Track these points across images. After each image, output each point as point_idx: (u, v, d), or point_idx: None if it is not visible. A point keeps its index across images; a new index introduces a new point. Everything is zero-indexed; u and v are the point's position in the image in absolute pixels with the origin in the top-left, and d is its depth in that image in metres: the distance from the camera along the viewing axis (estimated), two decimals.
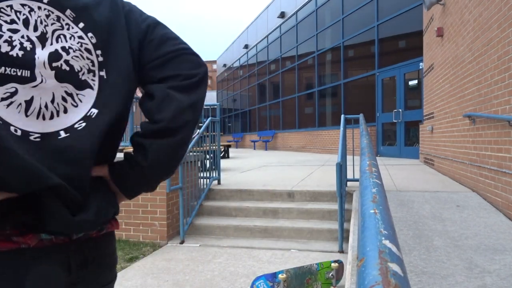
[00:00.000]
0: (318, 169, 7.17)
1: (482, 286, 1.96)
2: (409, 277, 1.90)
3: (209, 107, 5.67)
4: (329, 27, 12.51)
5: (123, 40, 0.77)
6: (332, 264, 2.75)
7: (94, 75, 0.74)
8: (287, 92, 15.83)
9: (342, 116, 4.92)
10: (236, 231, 4.31)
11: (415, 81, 8.79)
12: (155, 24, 0.82)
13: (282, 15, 15.86)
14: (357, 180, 4.69)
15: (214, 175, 5.36)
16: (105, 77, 0.75)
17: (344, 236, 3.75)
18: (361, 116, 4.45)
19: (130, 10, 0.81)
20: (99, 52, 0.75)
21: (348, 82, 11.55)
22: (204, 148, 5.35)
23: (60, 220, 0.64)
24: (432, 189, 4.57)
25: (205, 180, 5.21)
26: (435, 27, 6.31)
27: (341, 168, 3.62)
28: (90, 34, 0.74)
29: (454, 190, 4.50)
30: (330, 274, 2.75)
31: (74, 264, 0.70)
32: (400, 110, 8.95)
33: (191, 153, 4.80)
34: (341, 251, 3.67)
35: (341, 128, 4.56)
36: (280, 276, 2.62)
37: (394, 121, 9.13)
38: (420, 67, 8.33)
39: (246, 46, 20.99)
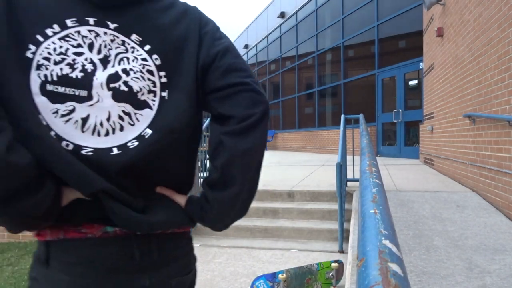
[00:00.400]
0: (318, 169, 7.17)
1: (482, 286, 1.96)
2: (409, 277, 1.90)
3: None
4: (329, 27, 12.51)
5: (191, 63, 0.78)
6: (332, 264, 2.75)
7: (154, 96, 0.76)
8: (287, 92, 15.83)
9: (342, 116, 4.92)
10: (236, 231, 4.31)
11: (415, 81, 8.79)
12: (225, 51, 0.80)
13: (282, 15, 15.86)
14: (357, 180, 4.69)
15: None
16: (166, 98, 0.77)
17: (344, 236, 3.75)
18: (361, 116, 4.46)
19: (206, 32, 0.82)
20: (162, 73, 0.77)
21: (348, 82, 11.55)
22: (204, 148, 5.35)
23: (119, 217, 0.71)
24: (432, 189, 4.57)
25: None
26: (435, 27, 6.31)
27: (341, 168, 3.62)
28: (155, 56, 0.77)
29: (454, 190, 4.50)
30: (330, 274, 2.75)
31: (137, 254, 0.75)
32: (400, 110, 8.95)
33: None
34: (341, 251, 3.67)
35: (341, 128, 4.56)
36: (280, 276, 2.62)
37: (394, 121, 9.13)
38: (420, 67, 8.33)
39: (246, 46, 20.99)
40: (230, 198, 0.78)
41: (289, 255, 3.65)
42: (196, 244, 4.15)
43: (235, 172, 0.76)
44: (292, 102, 15.31)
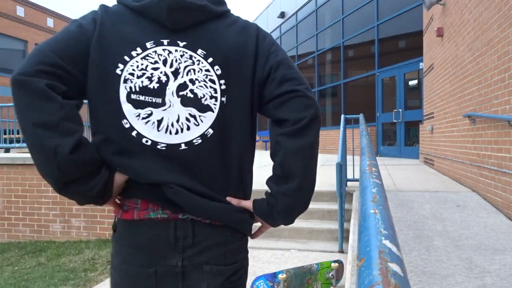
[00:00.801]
0: (318, 169, 7.18)
1: (482, 286, 1.96)
2: (409, 277, 1.90)
3: None
4: (329, 27, 12.51)
5: (247, 73, 0.93)
6: (332, 264, 2.75)
7: (216, 100, 0.91)
8: None
9: (342, 116, 4.92)
10: None
11: (415, 81, 8.79)
12: (279, 64, 0.93)
13: (282, 15, 15.86)
14: (357, 180, 4.69)
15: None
16: (225, 102, 0.92)
17: (344, 236, 3.75)
18: (361, 116, 4.46)
19: (262, 47, 0.96)
20: (222, 81, 0.91)
21: (348, 82, 11.55)
22: None
23: (184, 201, 0.87)
24: (432, 189, 4.57)
25: None
26: (435, 27, 6.31)
27: (341, 168, 3.62)
28: (216, 67, 0.91)
29: (454, 190, 4.50)
30: (330, 274, 2.75)
31: (172, 238, 0.89)
32: (400, 110, 8.95)
33: None
34: (341, 251, 3.67)
35: (341, 128, 4.56)
36: (280, 276, 2.62)
37: (394, 121, 9.13)
38: (420, 67, 8.33)
39: None
40: (293, 190, 0.90)
41: (289, 255, 3.65)
42: None
43: (293, 167, 0.90)
44: None
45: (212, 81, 0.91)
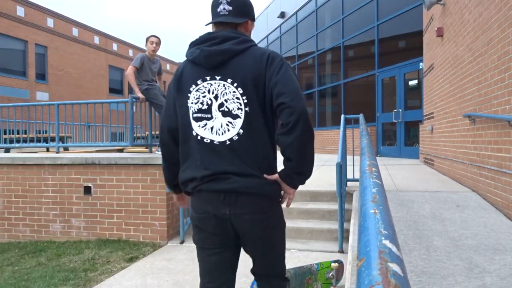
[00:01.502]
0: (318, 169, 7.17)
1: (482, 286, 1.96)
2: (409, 277, 1.90)
3: None
4: (329, 27, 12.51)
5: (260, 90, 1.44)
6: (332, 264, 2.75)
7: (241, 111, 1.44)
8: None
9: (342, 116, 4.92)
10: None
11: (415, 81, 8.79)
12: (276, 83, 1.41)
13: (282, 15, 15.85)
14: (357, 180, 4.69)
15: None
16: (248, 111, 1.44)
17: (344, 236, 3.75)
18: (361, 116, 4.45)
19: (269, 70, 1.44)
20: (244, 98, 1.44)
21: (348, 82, 11.55)
22: None
23: (230, 181, 1.42)
24: (432, 189, 4.57)
25: None
26: (435, 27, 6.31)
27: (341, 168, 3.62)
28: (239, 89, 1.44)
29: (454, 190, 4.50)
30: (330, 274, 2.75)
31: (222, 198, 1.43)
32: (400, 110, 8.95)
33: None
34: (341, 251, 3.67)
35: (341, 128, 4.56)
36: None
37: (394, 121, 9.13)
38: (420, 67, 8.33)
39: None
40: (293, 165, 1.45)
41: (289, 255, 3.65)
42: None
43: (289, 155, 1.43)
44: None
45: (238, 98, 1.45)
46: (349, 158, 5.22)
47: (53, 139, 6.02)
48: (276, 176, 1.48)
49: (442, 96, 5.94)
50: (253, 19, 1.59)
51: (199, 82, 1.48)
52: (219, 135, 1.45)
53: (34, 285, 3.32)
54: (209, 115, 1.46)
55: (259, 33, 18.94)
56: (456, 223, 3.15)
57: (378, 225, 0.65)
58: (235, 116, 1.44)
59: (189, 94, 1.49)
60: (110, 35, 22.89)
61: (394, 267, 0.49)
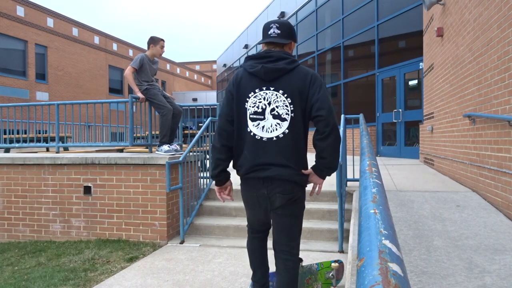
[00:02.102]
0: None
1: (482, 286, 1.96)
2: (409, 277, 1.90)
3: (209, 107, 5.66)
4: (329, 27, 12.51)
5: (303, 101, 1.92)
6: (332, 264, 2.74)
7: (288, 116, 1.92)
8: None
9: (342, 116, 4.92)
10: (236, 231, 4.31)
11: (415, 81, 8.79)
12: (317, 100, 1.89)
13: (282, 15, 15.85)
14: (357, 180, 4.69)
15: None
16: (293, 116, 1.92)
17: (344, 236, 3.74)
18: (361, 116, 4.45)
19: (311, 88, 1.93)
20: (291, 106, 1.92)
21: (348, 82, 11.55)
22: (204, 148, 5.35)
23: (270, 171, 1.94)
24: (432, 189, 4.57)
25: (205, 180, 5.21)
26: (435, 27, 6.31)
27: (341, 168, 3.62)
28: (288, 99, 1.92)
29: (454, 190, 4.50)
30: (330, 274, 2.75)
31: (262, 182, 1.96)
32: (400, 110, 8.95)
33: (191, 153, 4.80)
34: (341, 251, 3.67)
35: (341, 128, 4.55)
36: None
37: (394, 121, 9.13)
38: (420, 67, 8.33)
39: (246, 46, 20.98)
40: (326, 162, 1.95)
41: None
42: (196, 244, 4.15)
43: (324, 154, 1.93)
44: None
45: (286, 106, 1.93)
46: (349, 158, 5.22)
47: (53, 139, 6.02)
48: (309, 170, 2.03)
49: (442, 96, 5.94)
50: (295, 41, 2.09)
51: (257, 90, 1.97)
52: (268, 132, 1.94)
53: (34, 285, 3.32)
54: (262, 117, 1.95)
55: (259, 33, 18.94)
56: (456, 223, 3.14)
57: (378, 225, 0.65)
58: (283, 120, 1.94)
59: (248, 99, 1.98)
60: (110, 35, 22.89)
61: (394, 267, 0.49)
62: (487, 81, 3.90)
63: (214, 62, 32.81)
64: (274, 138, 1.92)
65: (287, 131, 1.91)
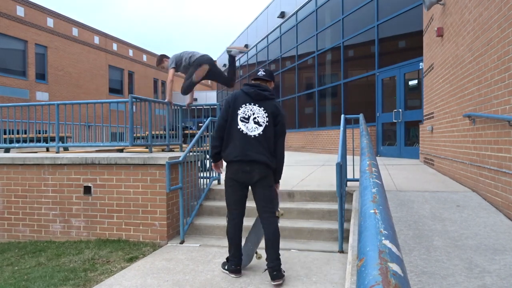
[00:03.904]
0: (318, 169, 7.17)
1: (482, 286, 1.96)
2: (409, 277, 1.90)
3: (209, 107, 5.65)
4: (329, 27, 12.51)
5: (272, 118, 3.06)
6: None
7: (264, 123, 3.04)
8: (287, 92, 15.83)
9: (342, 116, 4.92)
10: None
11: (415, 81, 8.79)
12: (281, 118, 3.10)
13: (282, 15, 15.85)
14: (357, 180, 4.69)
15: (214, 175, 5.36)
16: (267, 124, 3.04)
17: (344, 236, 3.74)
18: (361, 116, 4.45)
19: (279, 114, 3.10)
20: (267, 118, 3.05)
21: (348, 82, 11.55)
22: (204, 148, 5.35)
23: (253, 157, 3.00)
24: (432, 189, 4.57)
25: (205, 180, 5.21)
26: (435, 27, 6.31)
27: (341, 168, 3.62)
28: (266, 114, 3.06)
29: (454, 190, 4.50)
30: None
31: (246, 164, 3.00)
32: (400, 110, 8.95)
33: (191, 153, 4.80)
34: (341, 251, 3.67)
35: (341, 128, 4.56)
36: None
37: (394, 121, 9.13)
38: (420, 67, 8.33)
39: (246, 46, 20.97)
40: (278, 162, 3.16)
41: (289, 255, 3.65)
42: (196, 244, 4.15)
43: (278, 153, 3.15)
44: (292, 102, 15.31)
45: (264, 117, 3.04)
46: (349, 158, 5.22)
47: (53, 139, 6.01)
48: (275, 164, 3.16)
49: (442, 96, 5.94)
50: (274, 81, 3.35)
51: (247, 104, 3.07)
52: (250, 131, 3.00)
53: (34, 285, 3.32)
54: (247, 121, 3.02)
55: (259, 33, 18.95)
56: (456, 223, 3.14)
57: (378, 225, 0.65)
58: (260, 125, 3.02)
59: (240, 108, 3.06)
60: (110, 35, 22.89)
61: (394, 267, 0.48)
62: (487, 81, 3.90)
63: (214, 62, 32.79)
64: (253, 136, 2.99)
65: (262, 132, 3.00)
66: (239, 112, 3.03)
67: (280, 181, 3.24)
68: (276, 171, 3.10)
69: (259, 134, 2.98)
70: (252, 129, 2.98)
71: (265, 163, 2.97)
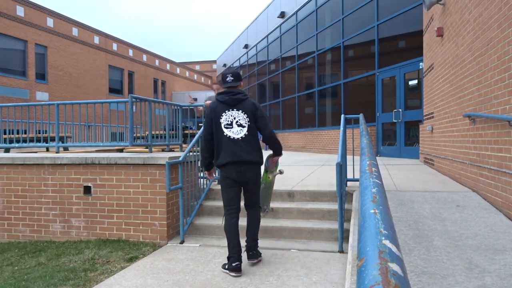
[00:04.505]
0: (318, 169, 7.17)
1: (482, 286, 1.96)
2: (409, 277, 1.90)
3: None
4: (329, 27, 12.51)
5: (253, 116, 3.34)
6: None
7: (246, 124, 3.32)
8: (287, 92, 15.83)
9: (342, 116, 4.92)
10: None
11: (415, 81, 8.79)
12: (259, 112, 3.37)
13: (282, 15, 15.85)
14: (357, 180, 4.69)
15: (214, 175, 5.35)
16: (250, 124, 3.32)
17: (344, 236, 3.74)
18: (361, 116, 4.45)
19: (257, 109, 3.38)
20: (248, 119, 3.32)
21: (348, 82, 11.55)
22: None
23: (242, 158, 3.29)
24: (432, 189, 4.57)
25: (205, 180, 5.21)
26: (435, 27, 6.31)
27: (341, 168, 3.62)
28: (245, 115, 3.33)
29: (454, 190, 4.50)
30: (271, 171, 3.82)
31: (241, 164, 3.28)
32: (400, 110, 8.95)
33: (191, 153, 4.80)
34: (341, 251, 3.67)
35: (341, 128, 4.55)
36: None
37: (394, 121, 9.13)
38: (420, 67, 8.33)
39: (246, 46, 20.99)
40: (274, 148, 3.55)
41: (289, 255, 3.65)
42: (196, 244, 4.15)
43: (272, 147, 3.54)
44: (292, 102, 15.31)
45: (244, 119, 3.31)
46: (349, 158, 5.22)
47: (53, 139, 6.01)
48: (272, 154, 3.60)
49: (442, 96, 5.93)
50: (241, 81, 3.52)
51: (226, 112, 3.31)
52: (236, 135, 3.26)
53: (34, 285, 3.32)
54: (231, 126, 3.28)
55: (259, 33, 18.95)
56: (456, 223, 3.14)
57: (378, 225, 0.65)
58: (244, 127, 3.29)
59: (221, 117, 3.29)
60: (110, 35, 22.88)
61: (394, 267, 0.48)
62: (487, 81, 3.90)
63: (214, 62, 32.80)
64: (241, 138, 3.25)
65: (247, 133, 3.27)
66: (221, 120, 3.28)
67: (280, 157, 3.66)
68: (273, 151, 3.51)
69: (245, 134, 3.26)
70: (237, 132, 3.25)
71: (256, 162, 3.31)
